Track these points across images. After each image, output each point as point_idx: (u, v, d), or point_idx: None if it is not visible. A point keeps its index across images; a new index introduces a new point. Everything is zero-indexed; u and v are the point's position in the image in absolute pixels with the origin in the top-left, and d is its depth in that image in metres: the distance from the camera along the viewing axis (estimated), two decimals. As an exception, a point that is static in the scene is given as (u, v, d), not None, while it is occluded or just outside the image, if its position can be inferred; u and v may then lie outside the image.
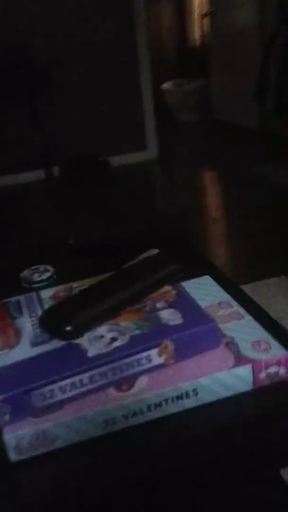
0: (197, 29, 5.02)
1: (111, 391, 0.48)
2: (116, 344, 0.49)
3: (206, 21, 4.65)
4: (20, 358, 0.50)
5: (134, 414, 0.47)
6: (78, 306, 0.54)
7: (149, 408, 0.47)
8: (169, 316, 0.52)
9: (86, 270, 0.74)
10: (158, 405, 0.47)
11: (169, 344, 0.49)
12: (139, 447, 0.46)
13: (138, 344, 0.48)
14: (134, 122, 3.50)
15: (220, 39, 4.26)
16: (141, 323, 0.52)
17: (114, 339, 0.50)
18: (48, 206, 2.79)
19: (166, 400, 0.47)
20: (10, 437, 0.45)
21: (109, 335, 0.50)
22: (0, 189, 3.27)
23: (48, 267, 0.80)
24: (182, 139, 4.29)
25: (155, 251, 0.75)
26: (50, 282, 0.76)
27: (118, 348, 0.48)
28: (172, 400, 0.48)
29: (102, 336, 0.51)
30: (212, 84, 4.53)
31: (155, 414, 0.48)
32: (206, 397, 0.48)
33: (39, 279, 0.77)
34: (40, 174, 3.31)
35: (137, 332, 0.50)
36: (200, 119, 4.76)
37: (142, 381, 0.49)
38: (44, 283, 0.76)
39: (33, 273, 0.79)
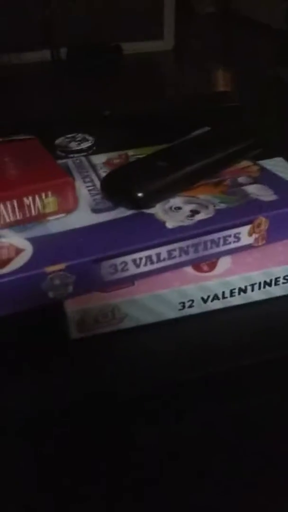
0: None
1: (190, 270, 0.41)
2: (200, 217, 0.41)
3: None
4: (81, 224, 0.42)
5: (215, 297, 0.40)
6: (147, 172, 0.45)
7: (232, 292, 0.41)
8: (259, 192, 0.44)
9: (129, 142, 0.64)
10: (243, 290, 0.41)
11: (264, 222, 0.41)
12: (217, 335, 0.40)
13: (226, 219, 0.41)
14: (153, 6, 3.16)
15: None
16: (226, 197, 0.43)
17: (195, 212, 0.42)
18: (53, 87, 2.58)
19: (252, 286, 0.41)
20: (73, 311, 0.38)
21: (188, 207, 0.42)
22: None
23: (87, 136, 0.70)
24: (199, 32, 3.94)
25: (207, 129, 0.66)
26: (90, 153, 0.67)
27: (203, 222, 0.40)
28: (259, 286, 0.41)
29: (179, 208, 0.42)
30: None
31: (238, 300, 0.41)
32: (296, 287, 0.42)
33: (77, 148, 0.67)
34: (45, 55, 3.03)
35: (222, 206, 0.42)
36: (220, 11, 4.35)
37: (226, 262, 0.42)
38: (83, 153, 0.67)
39: (70, 141, 0.69)
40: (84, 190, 0.47)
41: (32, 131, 0.62)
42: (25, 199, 0.41)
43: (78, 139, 0.69)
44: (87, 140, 0.68)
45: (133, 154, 0.55)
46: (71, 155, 0.66)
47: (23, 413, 0.35)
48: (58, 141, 0.68)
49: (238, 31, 3.83)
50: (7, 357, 0.38)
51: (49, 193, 0.42)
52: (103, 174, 0.50)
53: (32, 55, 2.99)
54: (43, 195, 0.42)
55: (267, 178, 0.46)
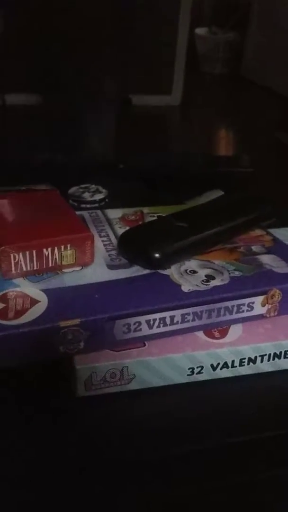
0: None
1: (201, 335, 0.41)
2: (215, 283, 0.41)
3: None
4: (96, 280, 0.42)
5: (224, 365, 0.40)
6: (164, 233, 0.46)
7: (241, 362, 0.41)
8: (272, 263, 0.45)
9: (141, 197, 0.65)
10: (253, 360, 0.41)
11: (277, 294, 0.42)
12: (224, 404, 0.39)
13: (241, 287, 0.41)
14: (164, 62, 3.30)
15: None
16: (240, 265, 0.44)
17: (211, 277, 0.42)
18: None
19: (262, 356, 0.41)
20: (83, 368, 0.38)
21: (204, 272, 0.43)
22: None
23: (100, 188, 0.72)
24: (205, 90, 4.10)
25: (218, 192, 0.67)
26: (102, 206, 0.68)
27: (218, 289, 0.41)
28: (269, 358, 0.41)
29: (194, 272, 0.43)
30: (248, 39, 4.29)
31: (246, 369, 0.41)
32: (305, 361, 0.42)
33: (91, 199, 0.68)
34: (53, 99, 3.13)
35: (237, 274, 0.43)
36: (227, 73, 4.55)
37: (237, 331, 0.42)
38: (96, 205, 0.68)
39: (84, 192, 0.70)
40: (100, 245, 0.47)
41: (43, 178, 0.64)
42: (44, 250, 0.42)
43: (91, 190, 0.71)
44: (100, 192, 0.70)
45: (147, 212, 0.56)
46: (84, 206, 0.67)
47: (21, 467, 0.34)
48: (71, 190, 0.69)
49: (245, 94, 3.99)
50: (10, 408, 0.37)
51: (68, 246, 0.42)
52: (119, 230, 0.50)
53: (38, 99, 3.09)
54: (62, 247, 0.42)
55: (280, 249, 0.47)
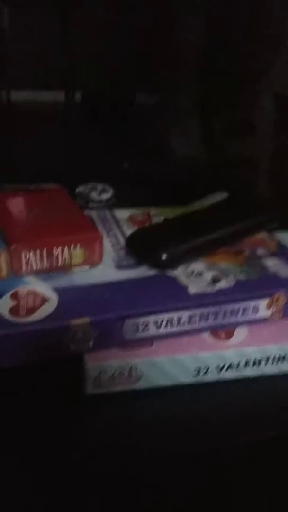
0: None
1: (207, 336, 0.42)
2: (221, 285, 0.42)
3: None
4: (105, 279, 0.43)
5: (230, 367, 0.41)
6: (171, 234, 0.47)
7: (247, 363, 0.41)
8: (277, 266, 0.46)
9: (147, 198, 0.66)
10: (258, 362, 0.42)
11: (282, 297, 0.42)
12: (230, 404, 0.40)
13: (247, 290, 0.42)
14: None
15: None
16: (245, 268, 0.45)
17: (217, 279, 0.43)
18: (65, 132, 2.64)
19: (267, 358, 0.42)
20: (93, 366, 0.38)
21: (210, 274, 0.44)
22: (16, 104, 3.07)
23: (107, 186, 0.72)
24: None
25: (223, 194, 0.68)
26: (109, 205, 0.69)
27: (224, 291, 0.42)
28: (273, 360, 0.42)
29: (200, 274, 0.44)
30: None
31: (251, 371, 0.42)
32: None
33: (98, 198, 0.69)
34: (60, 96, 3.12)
35: (242, 276, 0.44)
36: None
37: (242, 333, 0.43)
38: (102, 204, 0.68)
39: (91, 191, 0.71)
40: (108, 245, 0.48)
41: (50, 177, 0.64)
42: (54, 249, 0.42)
43: (98, 189, 0.71)
44: (107, 192, 0.70)
45: (154, 213, 0.56)
46: (91, 205, 0.68)
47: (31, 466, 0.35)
48: (78, 189, 0.70)
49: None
50: (19, 406, 0.38)
51: (78, 246, 0.43)
52: (126, 230, 0.51)
53: (46, 95, 3.08)
54: (72, 246, 0.43)
55: (285, 253, 0.48)
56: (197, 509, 0.34)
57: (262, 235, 0.52)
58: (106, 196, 0.69)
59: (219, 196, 0.65)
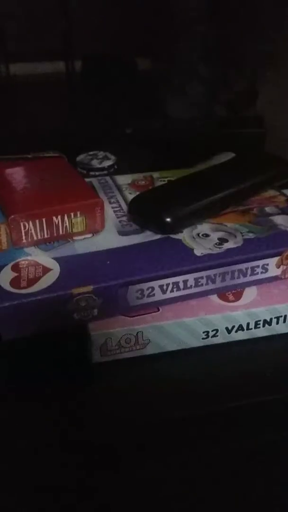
0: None
1: (215, 299, 0.41)
2: (228, 245, 0.41)
3: None
4: (108, 246, 0.41)
5: (240, 328, 0.40)
6: (175, 196, 0.45)
7: (257, 324, 0.40)
8: (286, 223, 0.44)
9: (150, 162, 0.64)
10: (268, 322, 0.40)
11: (292, 255, 0.41)
12: (241, 367, 0.39)
13: (255, 249, 0.40)
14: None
15: None
16: (253, 226, 0.43)
17: (224, 240, 0.41)
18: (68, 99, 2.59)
19: (277, 318, 0.40)
20: (97, 334, 0.37)
21: (216, 235, 0.42)
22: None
23: (109, 154, 0.70)
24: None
25: (230, 154, 0.66)
26: (111, 172, 0.67)
27: (231, 251, 0.40)
28: (284, 319, 0.41)
29: (207, 235, 0.42)
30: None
31: (262, 332, 0.41)
32: None
33: (99, 166, 0.67)
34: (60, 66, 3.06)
35: (251, 235, 0.42)
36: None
37: (251, 293, 0.41)
38: (105, 172, 0.67)
39: (92, 159, 0.69)
40: (110, 211, 0.47)
41: (50, 145, 0.62)
42: (54, 218, 0.41)
43: (100, 157, 0.69)
44: (109, 159, 0.68)
45: (158, 176, 0.55)
46: (93, 173, 0.66)
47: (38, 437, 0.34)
48: (79, 158, 0.68)
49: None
50: (25, 378, 0.38)
51: (78, 213, 0.42)
52: (128, 195, 0.50)
53: (45, 66, 3.02)
54: (72, 214, 0.42)
55: (295, 210, 0.46)
56: (209, 472, 0.34)
57: (270, 192, 0.50)
58: (107, 163, 0.67)
59: (225, 156, 0.63)
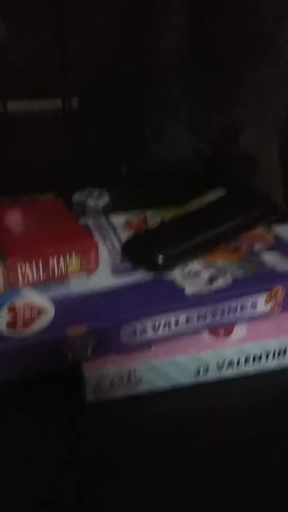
0: None
1: (206, 336, 0.42)
2: (218, 283, 0.42)
3: None
4: (102, 286, 0.43)
5: (230, 364, 0.41)
6: (167, 236, 0.47)
7: (247, 360, 0.41)
8: (274, 261, 0.45)
9: (144, 199, 0.66)
10: (258, 358, 0.41)
11: (280, 291, 0.42)
12: (232, 403, 0.40)
13: (244, 286, 0.42)
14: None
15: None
16: (243, 264, 0.45)
17: (214, 278, 0.43)
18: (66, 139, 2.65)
19: (267, 354, 0.41)
20: (91, 374, 0.38)
21: (207, 273, 0.44)
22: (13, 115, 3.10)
23: (103, 192, 0.72)
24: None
25: (222, 191, 0.68)
26: (106, 211, 0.69)
27: (221, 289, 0.42)
28: (274, 355, 0.42)
29: (198, 274, 0.44)
30: None
31: (252, 367, 0.42)
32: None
33: (94, 205, 0.69)
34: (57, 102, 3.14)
35: (240, 273, 0.43)
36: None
37: (241, 329, 0.42)
38: (99, 211, 0.69)
39: (87, 197, 0.71)
40: (104, 251, 0.48)
41: (46, 184, 0.64)
42: (50, 259, 0.42)
43: (94, 194, 0.71)
44: (103, 197, 0.71)
45: (151, 215, 0.56)
46: (88, 212, 0.68)
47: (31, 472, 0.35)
48: (75, 197, 0.70)
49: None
50: (21, 415, 0.38)
51: (73, 254, 0.43)
52: (122, 235, 0.51)
53: (42, 103, 3.09)
54: (67, 255, 0.43)
55: (282, 247, 0.48)
56: (201, 508, 0.34)
57: (259, 230, 0.51)
58: (102, 202, 0.69)
59: (218, 193, 0.65)
